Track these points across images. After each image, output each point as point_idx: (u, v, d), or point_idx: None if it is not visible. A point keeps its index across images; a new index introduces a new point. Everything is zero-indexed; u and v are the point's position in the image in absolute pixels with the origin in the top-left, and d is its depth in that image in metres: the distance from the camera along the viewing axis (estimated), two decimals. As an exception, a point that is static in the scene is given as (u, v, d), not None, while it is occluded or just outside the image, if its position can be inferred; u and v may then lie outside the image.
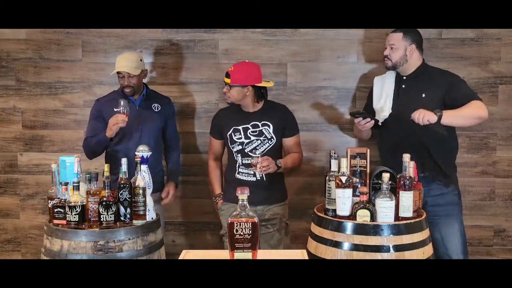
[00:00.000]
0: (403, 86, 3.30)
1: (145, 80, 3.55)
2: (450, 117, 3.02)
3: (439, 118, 2.96)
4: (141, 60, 3.40)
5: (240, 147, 3.29)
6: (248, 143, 3.28)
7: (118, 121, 3.14)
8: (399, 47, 3.23)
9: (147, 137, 3.37)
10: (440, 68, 3.38)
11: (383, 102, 3.33)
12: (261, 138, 3.28)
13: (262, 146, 3.28)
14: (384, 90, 3.36)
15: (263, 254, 2.20)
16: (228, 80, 3.20)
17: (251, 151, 3.28)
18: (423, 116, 2.94)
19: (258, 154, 3.25)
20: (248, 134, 3.29)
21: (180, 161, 3.71)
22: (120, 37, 3.84)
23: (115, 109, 3.22)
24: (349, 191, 2.63)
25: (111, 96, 3.47)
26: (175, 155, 3.63)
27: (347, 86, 3.82)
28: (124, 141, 3.36)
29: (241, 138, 3.29)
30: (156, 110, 3.47)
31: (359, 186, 2.68)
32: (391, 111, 3.28)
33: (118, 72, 3.34)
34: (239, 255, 2.05)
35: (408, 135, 3.15)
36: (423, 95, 3.19)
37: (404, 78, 3.30)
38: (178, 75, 3.86)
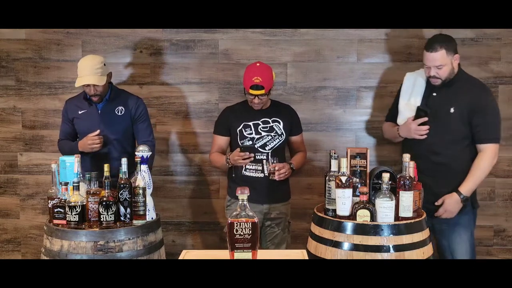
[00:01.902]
0: (434, 94, 3.14)
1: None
2: (471, 189, 3.06)
3: (465, 201, 3.02)
4: (104, 64, 3.25)
5: (250, 142, 3.30)
6: (258, 138, 3.30)
7: (95, 145, 3.17)
8: (446, 63, 3.02)
9: (110, 142, 3.29)
10: (473, 76, 3.23)
11: (410, 108, 3.18)
12: (272, 134, 3.32)
13: (273, 142, 3.31)
14: (413, 95, 3.20)
15: (263, 254, 2.20)
16: (262, 91, 3.17)
17: (261, 146, 3.30)
18: (450, 213, 3.04)
19: (268, 150, 3.29)
20: (259, 130, 3.32)
21: (151, 163, 3.34)
22: (120, 37, 3.84)
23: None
24: (349, 191, 2.63)
25: (78, 97, 3.41)
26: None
27: (347, 86, 3.82)
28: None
29: (251, 133, 3.31)
30: (119, 113, 3.33)
31: (359, 186, 2.68)
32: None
33: None
34: (239, 255, 2.05)
35: (431, 150, 3.08)
36: (452, 110, 3.06)
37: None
38: (178, 75, 3.86)
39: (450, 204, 3.04)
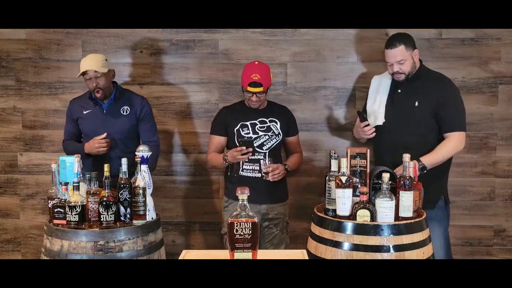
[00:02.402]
0: (399, 90, 3.25)
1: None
2: (431, 163, 3.06)
3: (422, 170, 2.99)
4: (106, 60, 3.29)
5: (252, 136, 3.30)
6: (256, 138, 3.30)
7: (102, 149, 3.18)
8: (407, 58, 3.14)
9: (114, 141, 3.29)
10: (435, 71, 3.32)
11: (377, 107, 3.30)
12: (269, 134, 3.32)
13: (270, 142, 3.32)
14: (379, 94, 3.33)
15: (263, 254, 2.20)
16: (260, 89, 3.18)
17: (258, 146, 3.30)
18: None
19: (265, 150, 3.29)
20: (256, 130, 3.32)
21: (154, 156, 3.33)
22: (120, 37, 3.83)
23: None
24: (349, 191, 2.63)
25: (83, 97, 3.43)
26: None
27: (347, 86, 3.81)
28: None
29: (249, 133, 3.31)
30: (124, 113, 3.34)
31: (359, 186, 2.68)
32: (384, 120, 3.24)
33: (84, 74, 3.23)
34: (239, 255, 2.05)
35: (400, 144, 3.10)
36: (416, 104, 3.16)
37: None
38: (178, 75, 3.86)
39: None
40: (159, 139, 3.48)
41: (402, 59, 3.14)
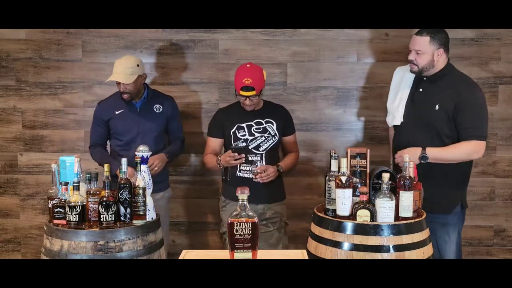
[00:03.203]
0: (421, 89, 3.11)
1: (148, 80, 3.55)
2: (435, 157, 2.95)
3: (423, 159, 2.92)
4: (138, 65, 3.35)
5: (244, 144, 3.30)
6: (252, 140, 3.30)
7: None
8: (426, 52, 2.99)
9: (148, 138, 3.37)
10: (462, 72, 3.15)
11: (397, 106, 3.18)
12: (265, 135, 3.32)
13: (266, 143, 3.32)
14: (400, 91, 3.20)
15: (263, 254, 2.20)
16: (252, 92, 3.18)
17: (255, 147, 3.30)
18: (403, 157, 2.82)
19: (262, 151, 3.30)
20: (252, 131, 3.32)
21: (181, 149, 3.61)
22: (120, 37, 3.84)
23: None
24: (349, 191, 2.62)
25: (113, 98, 3.49)
26: (177, 143, 3.56)
27: (347, 86, 3.82)
28: (128, 144, 3.40)
29: (245, 135, 3.31)
30: (157, 111, 3.48)
31: (359, 186, 2.68)
32: (402, 119, 3.14)
33: None
34: (239, 255, 2.05)
35: (418, 145, 3.02)
36: (437, 107, 3.01)
37: (425, 79, 3.11)
38: (178, 75, 3.86)
39: (411, 151, 2.94)
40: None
41: (420, 49, 2.99)
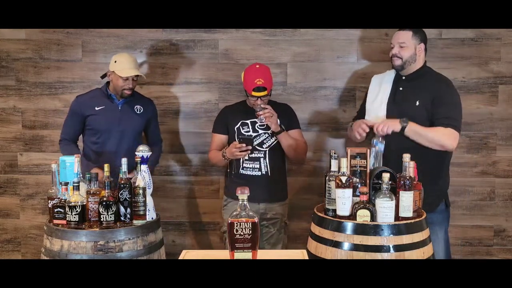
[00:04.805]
0: (401, 88, 3.22)
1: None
2: (414, 133, 3.01)
3: (403, 128, 2.98)
4: None
5: (251, 135, 3.31)
6: (256, 136, 3.31)
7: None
8: (409, 45, 3.14)
9: (127, 138, 3.38)
10: (438, 72, 3.28)
11: (378, 105, 3.26)
12: (269, 132, 3.32)
13: (270, 140, 3.32)
14: (381, 92, 3.29)
15: (263, 254, 2.20)
16: (264, 93, 3.20)
17: (258, 144, 3.31)
18: (387, 127, 2.97)
19: (265, 148, 3.31)
20: (256, 128, 3.33)
21: (158, 161, 3.64)
22: (120, 37, 3.84)
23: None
24: (349, 191, 2.62)
25: (93, 93, 3.46)
26: (154, 155, 3.47)
27: (347, 86, 3.82)
28: (104, 142, 3.37)
29: (249, 131, 3.32)
30: (138, 112, 3.45)
31: (359, 186, 2.68)
32: (385, 118, 3.19)
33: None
34: (239, 255, 2.05)
35: (400, 144, 3.04)
36: (417, 103, 3.12)
37: (404, 78, 3.23)
38: (178, 75, 3.86)
39: (389, 121, 3.04)
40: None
41: (404, 41, 3.14)
